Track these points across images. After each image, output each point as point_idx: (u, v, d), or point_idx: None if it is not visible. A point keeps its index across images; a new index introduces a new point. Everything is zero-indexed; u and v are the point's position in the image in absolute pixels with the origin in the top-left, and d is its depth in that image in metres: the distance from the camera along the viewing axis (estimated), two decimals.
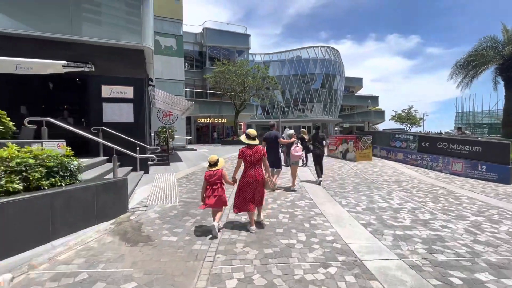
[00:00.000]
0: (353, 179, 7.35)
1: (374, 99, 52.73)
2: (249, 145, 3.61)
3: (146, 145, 7.63)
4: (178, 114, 14.46)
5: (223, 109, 28.07)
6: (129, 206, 4.41)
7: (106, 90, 7.26)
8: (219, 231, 3.39)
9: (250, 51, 45.12)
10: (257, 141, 3.68)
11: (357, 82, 55.80)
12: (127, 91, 7.48)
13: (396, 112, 40.05)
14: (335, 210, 4.51)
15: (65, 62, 5.29)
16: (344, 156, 11.52)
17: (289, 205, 4.80)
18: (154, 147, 7.97)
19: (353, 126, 53.15)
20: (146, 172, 7.70)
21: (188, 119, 28.82)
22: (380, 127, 56.73)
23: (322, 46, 43.24)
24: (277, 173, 6.16)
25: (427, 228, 3.72)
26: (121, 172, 6.43)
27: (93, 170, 5.29)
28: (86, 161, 5.63)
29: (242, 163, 3.68)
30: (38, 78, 7.71)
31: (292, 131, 6.59)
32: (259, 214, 3.79)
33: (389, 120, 42.03)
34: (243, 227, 3.64)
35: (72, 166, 3.37)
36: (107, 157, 7.11)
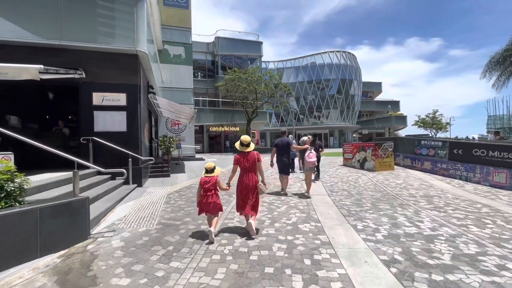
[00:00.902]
0: (372, 194, 6.26)
1: (395, 104, 50.30)
2: (243, 152, 3.74)
3: (139, 156, 7.05)
4: (186, 122, 14.01)
5: (236, 117, 27.60)
6: (96, 230, 3.71)
7: (98, 98, 6.81)
8: (215, 236, 3.44)
9: (264, 59, 44.86)
10: (251, 147, 3.76)
11: (376, 86, 53.68)
12: (120, 98, 6.99)
13: (419, 117, 37.58)
14: (348, 238, 3.54)
15: (42, 66, 4.81)
16: (362, 165, 10.36)
17: (290, 229, 3.88)
18: (147, 157, 7.38)
19: (372, 132, 50.82)
20: (140, 185, 7.08)
21: (201, 128, 28.65)
22: (402, 133, 53.92)
23: (337, 51, 42.10)
24: (285, 179, 6.31)
25: (477, 270, 2.67)
26: (106, 186, 5.85)
27: (68, 186, 4.70)
28: (62, 176, 5.08)
29: (238, 169, 3.83)
30: (35, 87, 7.45)
31: (306, 138, 6.62)
32: (253, 220, 3.70)
33: (412, 125, 39.60)
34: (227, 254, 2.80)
35: (9, 185, 2.72)
36: (96, 170, 6.58)
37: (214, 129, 28.42)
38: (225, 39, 29.78)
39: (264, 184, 3.81)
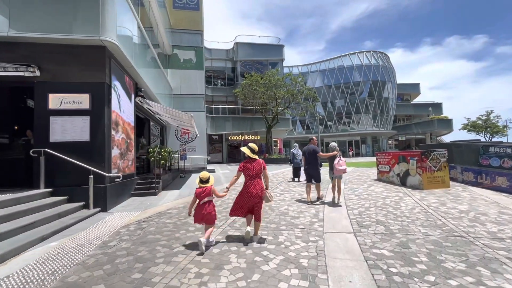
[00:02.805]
0: (426, 231, 3.98)
1: (437, 107, 44.91)
2: (250, 159, 3.74)
3: (103, 173, 5.55)
4: (193, 130, 12.61)
5: (255, 125, 25.98)
6: None
7: (55, 100, 5.51)
8: (213, 245, 3.46)
9: (287, 64, 43.20)
10: (257, 156, 3.79)
11: (413, 88, 48.73)
12: (82, 100, 5.63)
13: (469, 120, 32.51)
14: None
15: None
16: (403, 181, 7.89)
17: None
18: (115, 174, 5.88)
19: (410, 138, 45.80)
20: (104, 209, 5.56)
21: (220, 137, 27.48)
22: (446, 138, 47.94)
23: (367, 51, 38.88)
24: (317, 188, 6.32)
25: None
26: (44, 214, 4.37)
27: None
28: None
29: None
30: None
31: (335, 144, 6.25)
32: (255, 232, 3.71)
33: (459, 130, 34.49)
34: None
35: None
36: (51, 189, 5.21)
37: (234, 138, 27.02)
38: (244, 44, 28.68)
39: (269, 192, 3.78)
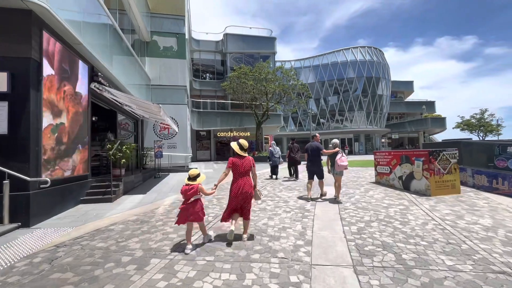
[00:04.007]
0: (452, 263, 2.83)
1: (430, 105, 44.61)
2: (240, 156, 3.61)
3: (25, 177, 4.21)
4: (163, 121, 11.24)
5: (245, 121, 24.70)
6: None
7: None
8: (210, 241, 3.46)
9: (280, 58, 41.90)
10: (247, 154, 3.68)
11: (406, 86, 48.30)
12: None
13: (463, 118, 32.03)
14: None
15: None
16: (405, 185, 6.80)
17: None
18: (42, 178, 4.54)
19: (404, 137, 45.40)
20: (26, 223, 4.21)
21: (208, 133, 26.12)
22: (438, 137, 47.78)
23: (361, 47, 37.93)
24: (320, 184, 6.20)
25: None
26: None
27: None
28: None
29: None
30: None
31: (337, 140, 6.16)
32: (245, 230, 3.63)
33: (453, 128, 34.07)
34: None
35: None
36: None
37: (222, 134, 25.69)
38: (234, 35, 27.21)
39: (259, 190, 3.77)
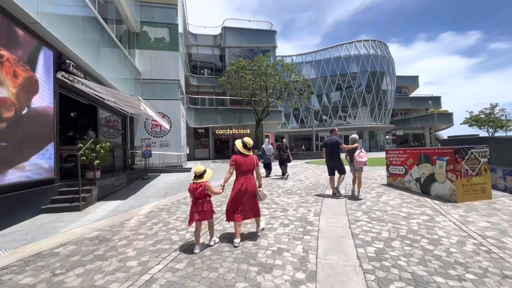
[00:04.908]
0: None
1: (436, 100, 43.26)
2: (243, 154, 3.51)
3: None
4: (156, 119, 10.32)
5: (244, 118, 23.74)
6: None
7: None
8: (215, 244, 3.30)
9: (281, 54, 40.78)
10: (251, 152, 3.56)
11: (411, 81, 46.97)
12: None
13: (471, 113, 30.78)
14: None
15: None
16: (424, 188, 5.83)
17: None
18: None
19: (408, 133, 44.22)
20: None
21: (206, 130, 25.20)
22: (444, 133, 46.51)
23: (365, 40, 36.68)
24: (341, 180, 6.01)
25: None
26: None
27: None
28: None
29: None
30: None
31: (356, 136, 6.07)
32: (257, 226, 3.63)
33: (460, 124, 32.84)
34: None
35: None
36: None
37: (221, 131, 24.76)
38: (233, 29, 26.17)
39: (262, 190, 3.53)
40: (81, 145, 5.89)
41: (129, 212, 5.11)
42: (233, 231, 3.52)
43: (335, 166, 5.92)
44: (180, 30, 15.98)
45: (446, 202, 5.15)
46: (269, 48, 26.72)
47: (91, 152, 5.92)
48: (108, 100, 8.01)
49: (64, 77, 5.81)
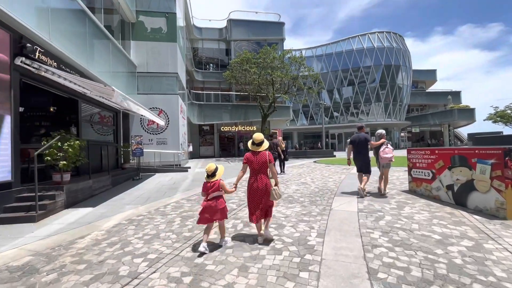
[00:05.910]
0: None
1: (456, 95, 40.75)
2: (254, 151, 3.37)
3: None
4: (142, 113, 9.44)
5: (250, 114, 22.76)
6: None
7: None
8: (227, 243, 3.19)
9: (290, 47, 39.40)
10: (263, 147, 3.35)
11: (428, 75, 44.50)
12: None
13: (496, 108, 28.53)
14: None
15: None
16: (459, 198, 4.65)
17: None
18: None
19: (425, 130, 41.98)
20: None
21: (211, 127, 24.37)
22: (463, 131, 43.89)
23: (379, 32, 34.77)
24: (364, 179, 5.73)
25: None
26: None
27: None
28: None
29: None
30: None
31: (383, 131, 5.98)
32: (266, 227, 3.34)
33: (484, 120, 30.52)
34: None
35: None
36: None
37: (226, 128, 23.87)
38: (239, 21, 25.14)
39: (278, 187, 3.33)
40: (44, 142, 5.05)
41: (92, 224, 4.22)
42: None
43: (362, 165, 5.77)
44: (181, 21, 15.10)
45: (491, 218, 3.97)
46: (277, 41, 25.51)
47: (57, 151, 5.07)
48: (85, 92, 7.18)
49: (26, 64, 4.97)
